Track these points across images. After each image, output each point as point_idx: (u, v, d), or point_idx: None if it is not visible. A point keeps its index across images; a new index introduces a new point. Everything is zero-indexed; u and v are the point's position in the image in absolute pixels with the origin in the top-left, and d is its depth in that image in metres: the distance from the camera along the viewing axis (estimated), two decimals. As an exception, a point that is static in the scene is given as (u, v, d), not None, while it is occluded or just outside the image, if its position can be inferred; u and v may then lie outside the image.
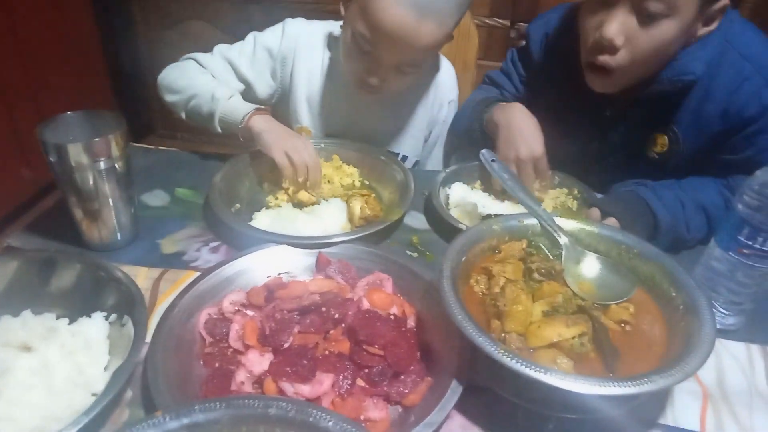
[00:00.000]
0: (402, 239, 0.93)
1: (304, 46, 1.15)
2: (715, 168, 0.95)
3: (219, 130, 1.03)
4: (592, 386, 0.55)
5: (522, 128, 0.98)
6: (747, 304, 0.75)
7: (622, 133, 1.03)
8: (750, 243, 0.69)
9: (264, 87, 1.16)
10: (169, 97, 1.09)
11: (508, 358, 0.56)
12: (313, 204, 0.98)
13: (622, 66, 0.90)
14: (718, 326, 0.76)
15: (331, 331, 0.69)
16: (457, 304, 0.63)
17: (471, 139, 1.13)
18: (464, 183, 1.04)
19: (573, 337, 0.62)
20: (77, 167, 0.77)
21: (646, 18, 0.85)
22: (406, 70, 1.01)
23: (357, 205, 0.94)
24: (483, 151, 0.90)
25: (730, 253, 0.72)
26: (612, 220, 0.87)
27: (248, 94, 1.15)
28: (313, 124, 1.20)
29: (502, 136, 0.99)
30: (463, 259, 0.73)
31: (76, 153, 0.77)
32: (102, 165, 0.79)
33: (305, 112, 1.19)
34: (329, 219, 0.94)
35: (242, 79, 1.13)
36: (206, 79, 1.07)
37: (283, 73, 1.16)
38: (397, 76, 1.02)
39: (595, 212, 0.89)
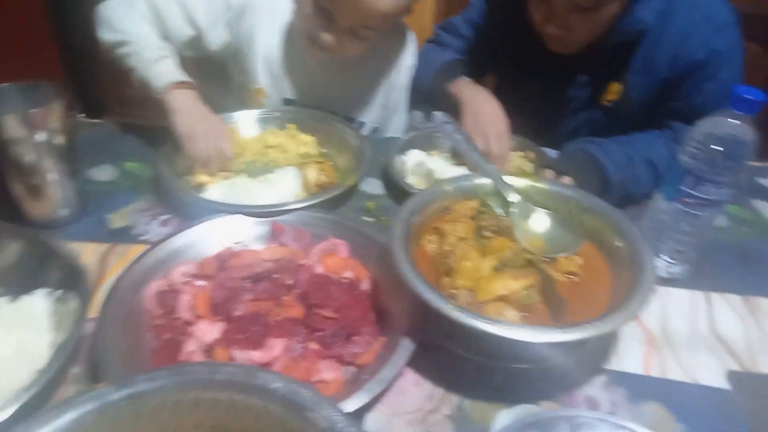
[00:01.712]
0: (358, 206, 0.93)
1: (266, 1, 1.11)
2: (666, 117, 0.97)
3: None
4: (537, 334, 0.56)
5: (488, 113, 0.99)
6: (691, 253, 0.78)
7: (579, 84, 1.04)
8: (692, 192, 0.71)
9: (216, 38, 1.09)
10: (103, 33, 1.01)
11: (456, 312, 0.57)
12: (215, 180, 0.94)
13: (575, 38, 0.91)
14: (665, 275, 0.79)
15: (284, 297, 0.69)
16: (407, 263, 0.63)
17: (431, 102, 1.12)
18: (422, 150, 1.04)
19: (521, 290, 0.63)
20: (14, 140, 0.74)
21: (583, 9, 0.86)
22: (363, 33, 0.99)
23: (312, 173, 0.93)
24: (436, 113, 0.89)
25: (674, 204, 0.73)
26: (565, 179, 0.88)
27: (198, 43, 1.08)
28: (270, 86, 1.17)
29: (469, 120, 0.99)
30: (416, 220, 0.73)
31: (12, 124, 0.73)
32: (41, 137, 0.76)
33: (262, 73, 1.15)
34: (284, 187, 0.93)
35: (194, 25, 1.06)
36: (146, 29, 1.00)
37: (241, 27, 1.11)
38: (353, 40, 1.00)
39: (549, 173, 0.90)
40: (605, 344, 0.69)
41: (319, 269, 0.71)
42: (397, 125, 1.28)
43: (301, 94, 1.17)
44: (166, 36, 1.02)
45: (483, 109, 0.99)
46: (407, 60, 1.20)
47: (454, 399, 0.62)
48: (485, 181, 0.80)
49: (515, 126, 1.02)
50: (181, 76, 0.96)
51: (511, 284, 0.63)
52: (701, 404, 0.63)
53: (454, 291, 0.64)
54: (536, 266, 0.67)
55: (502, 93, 1.02)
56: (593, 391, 0.64)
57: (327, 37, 0.98)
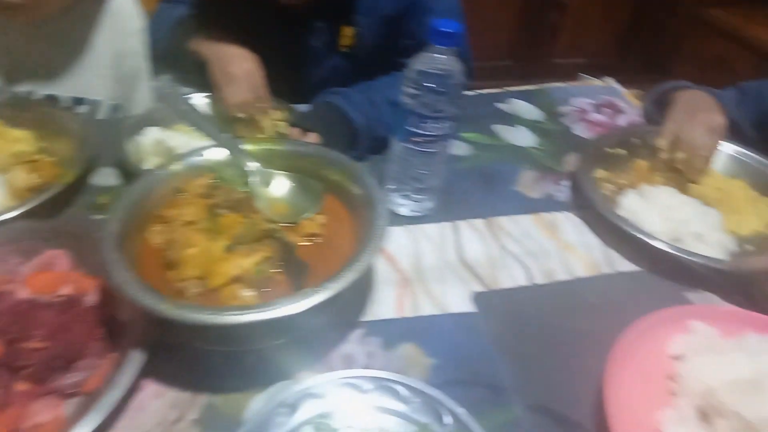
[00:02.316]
0: (89, 202, 0.81)
1: None
2: (400, 56, 0.98)
3: None
4: (269, 311, 0.52)
5: (241, 66, 0.91)
6: (434, 188, 0.80)
7: (316, 31, 1.01)
8: (418, 131, 0.72)
9: None
10: None
11: (175, 310, 0.51)
12: None
13: None
14: (413, 213, 0.81)
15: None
16: (119, 263, 0.55)
17: (170, 63, 1.01)
18: (164, 125, 0.93)
19: (254, 266, 0.59)
20: None
21: None
22: None
23: (19, 176, 0.78)
24: (156, 83, 0.79)
25: (406, 144, 0.74)
26: (313, 136, 0.85)
27: None
28: None
29: (220, 76, 0.91)
30: (139, 209, 0.65)
31: None
32: None
33: None
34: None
35: None
36: None
37: None
38: None
39: (295, 132, 0.86)
40: (359, 295, 0.69)
41: (23, 293, 0.60)
42: (143, 98, 1.15)
43: (5, 75, 0.97)
44: None
45: (233, 62, 0.91)
46: (132, 23, 1.07)
47: (203, 399, 0.57)
48: (219, 152, 0.73)
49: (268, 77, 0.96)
50: None
51: (244, 262, 0.59)
52: (450, 333, 0.65)
53: (181, 284, 0.58)
54: (273, 236, 0.63)
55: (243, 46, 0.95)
56: (349, 347, 0.63)
57: None
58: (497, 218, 0.83)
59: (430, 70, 0.68)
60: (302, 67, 1.04)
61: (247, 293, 0.58)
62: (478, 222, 0.82)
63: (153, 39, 1.09)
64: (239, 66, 0.90)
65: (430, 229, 0.80)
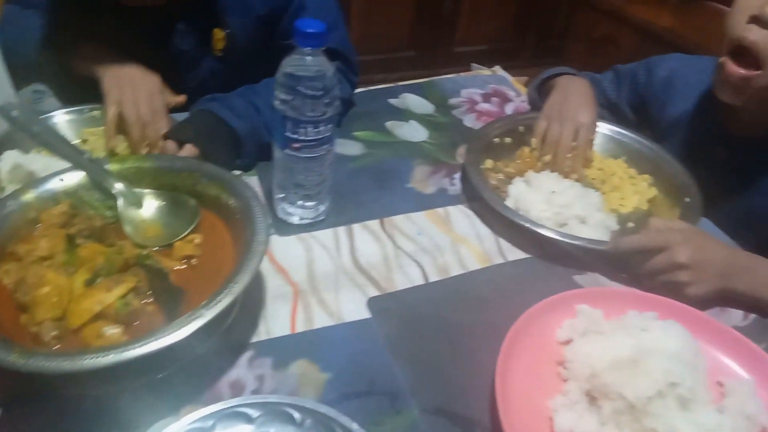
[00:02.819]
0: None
1: None
2: (282, 58, 0.95)
3: None
4: (132, 349, 0.48)
5: (134, 75, 0.85)
6: (324, 192, 0.78)
7: (182, 33, 0.95)
8: (296, 136, 0.69)
9: None
10: None
11: (21, 361, 0.46)
12: None
13: None
14: (308, 220, 0.78)
15: None
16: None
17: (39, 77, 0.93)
18: (22, 148, 0.84)
19: (117, 300, 0.54)
20: None
21: None
22: None
23: None
24: (5, 104, 0.71)
25: (286, 151, 0.71)
26: (189, 148, 0.80)
27: None
28: None
29: (116, 90, 0.83)
30: (-13, 248, 0.58)
31: None
32: None
33: None
34: None
35: None
36: None
37: None
38: None
39: (170, 145, 0.80)
40: (248, 315, 0.65)
41: None
42: None
43: None
44: None
45: (126, 72, 0.85)
46: None
47: (76, 448, 0.52)
48: (79, 175, 0.67)
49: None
50: None
51: (106, 297, 0.54)
52: (345, 343, 0.63)
53: (36, 328, 0.52)
54: (140, 263, 0.59)
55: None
56: (238, 372, 0.59)
57: None
58: (392, 218, 0.82)
59: (300, 73, 0.65)
60: (176, 72, 0.98)
61: (112, 330, 0.53)
62: (373, 223, 0.80)
63: (9, 47, 0.99)
64: (141, 85, 0.84)
65: (324, 235, 0.78)
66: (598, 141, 0.93)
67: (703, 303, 0.67)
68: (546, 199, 0.78)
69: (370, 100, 1.08)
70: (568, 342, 0.62)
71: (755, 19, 0.70)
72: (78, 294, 0.55)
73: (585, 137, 0.88)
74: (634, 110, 1.00)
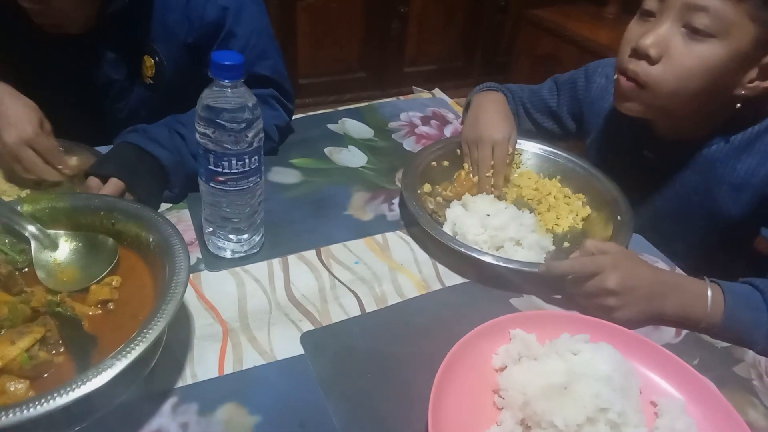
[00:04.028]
0: None
1: None
2: None
3: None
4: (38, 405, 0.45)
5: (7, 114, 0.78)
6: (256, 224, 0.75)
7: (108, 62, 0.93)
8: (220, 170, 0.67)
9: None
10: None
11: None
12: None
13: (60, 13, 0.77)
14: (241, 254, 0.76)
15: None
16: None
17: None
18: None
19: (22, 353, 0.50)
20: None
21: None
22: None
23: None
24: None
25: (211, 185, 0.69)
26: (114, 182, 0.76)
27: None
28: None
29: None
30: None
31: None
32: None
33: None
34: None
35: None
36: None
37: None
38: None
39: (93, 181, 0.77)
40: (173, 358, 0.62)
41: None
42: None
43: None
44: None
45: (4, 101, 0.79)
46: None
47: None
48: (-12, 219, 0.63)
49: (62, 125, 0.86)
50: None
51: (10, 351, 0.50)
52: (276, 383, 0.61)
53: (-72, 391, 0.48)
54: (49, 311, 0.55)
55: (24, 85, 0.83)
56: (160, 421, 0.56)
57: None
58: (329, 247, 0.80)
59: (219, 105, 0.64)
60: (105, 101, 0.95)
61: (17, 386, 0.49)
62: (309, 254, 0.79)
63: None
64: (13, 135, 0.78)
65: (257, 268, 0.75)
66: (533, 161, 0.94)
67: (633, 324, 0.68)
68: (481, 222, 0.78)
69: (309, 127, 1.07)
70: (502, 369, 0.61)
71: (634, 52, 0.74)
72: (-22, 350, 0.51)
73: (500, 154, 0.88)
74: (574, 118, 1.02)
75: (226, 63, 0.61)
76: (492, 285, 0.75)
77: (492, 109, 0.93)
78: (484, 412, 0.58)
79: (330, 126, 1.08)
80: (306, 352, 0.65)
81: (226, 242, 0.74)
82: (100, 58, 0.92)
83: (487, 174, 0.88)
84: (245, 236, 0.75)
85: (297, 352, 0.65)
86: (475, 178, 0.88)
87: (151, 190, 0.79)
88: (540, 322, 0.66)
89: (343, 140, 1.04)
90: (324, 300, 0.72)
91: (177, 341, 0.64)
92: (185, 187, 0.84)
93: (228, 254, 0.75)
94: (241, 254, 0.76)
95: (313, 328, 0.68)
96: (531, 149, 0.95)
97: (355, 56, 2.62)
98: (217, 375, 0.61)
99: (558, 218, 0.85)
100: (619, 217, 0.81)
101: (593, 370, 0.56)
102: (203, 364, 0.62)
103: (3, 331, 0.52)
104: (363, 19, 2.52)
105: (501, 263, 0.71)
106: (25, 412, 0.45)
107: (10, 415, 0.45)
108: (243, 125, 0.65)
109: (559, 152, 0.93)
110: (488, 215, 0.78)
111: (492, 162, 0.88)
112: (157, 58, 0.92)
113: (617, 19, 2.43)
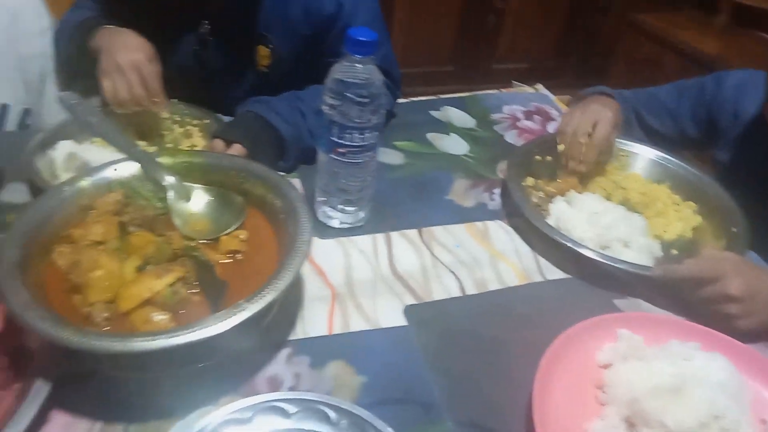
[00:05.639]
0: (-3, 221, 0.74)
1: None
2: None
3: None
4: (180, 336, 0.49)
5: (125, 42, 0.85)
6: (365, 199, 0.78)
7: (223, 50, 0.98)
8: (342, 141, 0.70)
9: None
10: None
11: (77, 338, 0.47)
12: None
13: None
14: (348, 225, 0.79)
15: None
16: (16, 289, 0.51)
17: (76, 70, 0.96)
18: (76, 138, 0.87)
19: (165, 288, 0.55)
20: None
21: None
22: None
23: None
24: (61, 94, 0.74)
25: (331, 155, 0.72)
26: (237, 147, 0.81)
27: None
28: None
29: (105, 63, 0.84)
30: (43, 229, 0.60)
31: None
32: None
33: None
34: None
35: None
36: None
37: None
38: None
39: (218, 144, 0.82)
40: (287, 313, 0.66)
41: None
42: (54, 103, 1.08)
43: None
44: None
45: (121, 51, 0.84)
46: (35, 23, 1.00)
47: (117, 430, 0.53)
48: (132, 166, 0.69)
49: (184, 96, 0.92)
50: None
51: (155, 284, 0.55)
52: (381, 349, 0.64)
53: (88, 309, 0.54)
54: (188, 254, 0.60)
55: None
56: (275, 368, 0.60)
57: None
58: (430, 228, 0.82)
59: (349, 80, 0.66)
60: (219, 85, 1.01)
61: (160, 317, 0.54)
62: (411, 232, 0.81)
63: (58, 44, 1.03)
64: (126, 56, 0.83)
65: (362, 241, 0.78)
66: (641, 165, 0.92)
67: (754, 336, 0.66)
68: (588, 220, 0.77)
69: (412, 112, 1.09)
70: (607, 366, 0.61)
71: None
72: (129, 279, 0.56)
73: (602, 130, 0.86)
74: (697, 123, 0.99)
75: (361, 39, 0.64)
76: (594, 283, 0.74)
77: (606, 102, 0.91)
78: (586, 404, 0.59)
79: (432, 113, 1.09)
80: (410, 324, 0.67)
81: (337, 212, 0.78)
82: (216, 45, 0.97)
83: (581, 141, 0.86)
84: (354, 208, 0.78)
85: (400, 323, 0.67)
86: (561, 146, 0.88)
87: (268, 158, 0.84)
88: (648, 325, 0.65)
89: (445, 127, 1.05)
90: (426, 277, 0.74)
91: (290, 299, 0.67)
92: (298, 160, 0.88)
93: (336, 224, 0.79)
94: (348, 225, 0.79)
95: (415, 302, 0.70)
96: (641, 152, 0.93)
97: (446, 48, 2.62)
98: (326, 333, 0.65)
99: (666, 225, 0.83)
100: (734, 229, 0.78)
101: (706, 377, 0.55)
102: (313, 322, 0.66)
103: (149, 267, 0.57)
104: (459, 12, 2.52)
105: (612, 263, 0.70)
106: (168, 340, 0.49)
107: (157, 341, 0.49)
108: (368, 100, 0.68)
109: (670, 157, 0.91)
110: (596, 213, 0.77)
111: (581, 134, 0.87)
112: (271, 47, 0.96)
113: (727, 29, 2.30)
